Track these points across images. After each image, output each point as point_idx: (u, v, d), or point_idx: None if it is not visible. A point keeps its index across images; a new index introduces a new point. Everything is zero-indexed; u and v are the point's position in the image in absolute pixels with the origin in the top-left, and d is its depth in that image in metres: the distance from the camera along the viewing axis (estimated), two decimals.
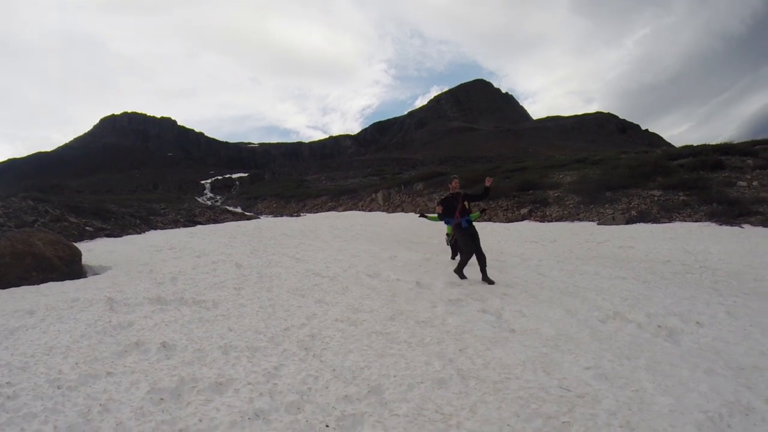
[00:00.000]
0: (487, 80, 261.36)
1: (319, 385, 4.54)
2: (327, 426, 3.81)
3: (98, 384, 4.33)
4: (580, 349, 5.67)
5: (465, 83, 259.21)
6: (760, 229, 17.16)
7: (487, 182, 9.94)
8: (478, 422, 3.93)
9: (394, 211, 36.27)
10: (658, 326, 6.66)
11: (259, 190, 74.27)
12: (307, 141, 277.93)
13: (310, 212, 44.51)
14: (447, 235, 13.71)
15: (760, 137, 33.57)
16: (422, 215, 13.04)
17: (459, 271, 10.01)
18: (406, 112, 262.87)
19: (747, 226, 17.78)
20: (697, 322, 6.86)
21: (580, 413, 4.10)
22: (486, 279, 9.57)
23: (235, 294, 8.22)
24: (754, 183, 23.02)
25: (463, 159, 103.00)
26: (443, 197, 10.37)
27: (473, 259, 9.95)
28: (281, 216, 40.23)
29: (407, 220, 29.23)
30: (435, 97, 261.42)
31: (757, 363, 5.34)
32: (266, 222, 28.91)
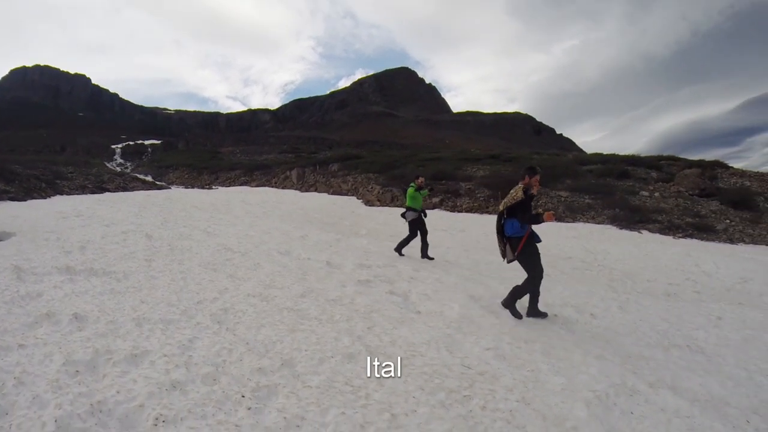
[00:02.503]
0: (413, 69, 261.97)
1: (234, 357, 4.68)
2: (243, 396, 3.96)
3: (11, 356, 4.21)
4: (481, 331, 6.14)
5: (390, 69, 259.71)
6: (656, 236, 18.61)
7: (547, 217, 6.60)
8: (385, 394, 4.25)
9: (307, 191, 36.17)
10: (555, 315, 7.27)
11: (172, 159, 71.54)
12: (225, 112, 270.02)
13: (222, 186, 43.67)
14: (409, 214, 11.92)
15: (666, 153, 36.36)
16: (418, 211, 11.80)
17: (534, 309, 7.27)
18: (328, 92, 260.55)
19: (645, 232, 19.22)
20: (591, 314, 7.56)
21: (479, 388, 4.52)
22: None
23: (146, 266, 8.09)
24: (656, 194, 25.12)
25: (380, 144, 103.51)
26: (530, 193, 6.94)
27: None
28: (193, 188, 39.35)
29: (320, 199, 29.35)
30: (359, 80, 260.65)
31: (643, 353, 6.04)
32: (177, 193, 28.18)
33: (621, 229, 19.78)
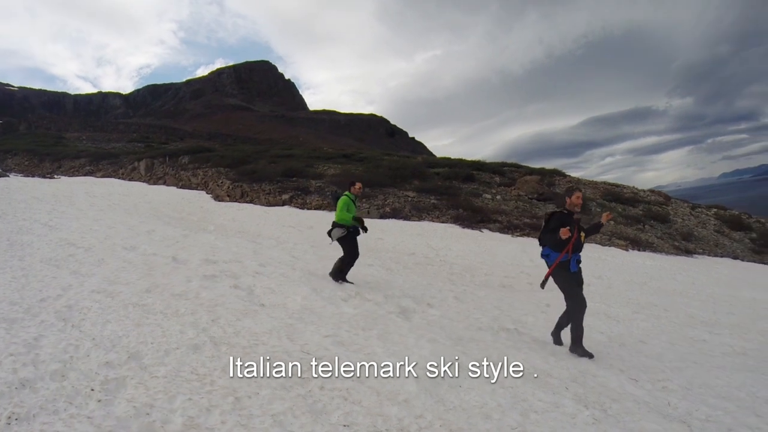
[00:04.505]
0: (274, 63, 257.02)
1: (81, 353, 4.60)
2: (92, 390, 3.95)
3: None
4: (321, 321, 6.44)
5: (250, 62, 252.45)
6: (496, 234, 20.04)
7: (605, 218, 7.19)
8: (229, 380, 4.43)
9: (155, 183, 34.57)
10: (397, 305, 7.70)
11: (11, 143, 64.89)
12: (73, 93, 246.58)
13: (65, 175, 40.55)
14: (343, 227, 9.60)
15: (511, 160, 39.22)
16: (345, 227, 9.52)
17: (577, 347, 6.86)
18: (184, 80, 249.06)
19: (486, 231, 20.63)
20: (428, 304, 8.12)
21: (318, 371, 4.75)
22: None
23: None
24: (498, 197, 27.23)
25: (233, 137, 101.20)
26: (556, 213, 7.10)
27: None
28: (33, 176, 36.34)
29: (169, 193, 28.33)
30: (217, 69, 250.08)
31: (474, 336, 6.63)
32: (16, 182, 25.96)
33: (464, 228, 21.07)
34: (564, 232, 6.30)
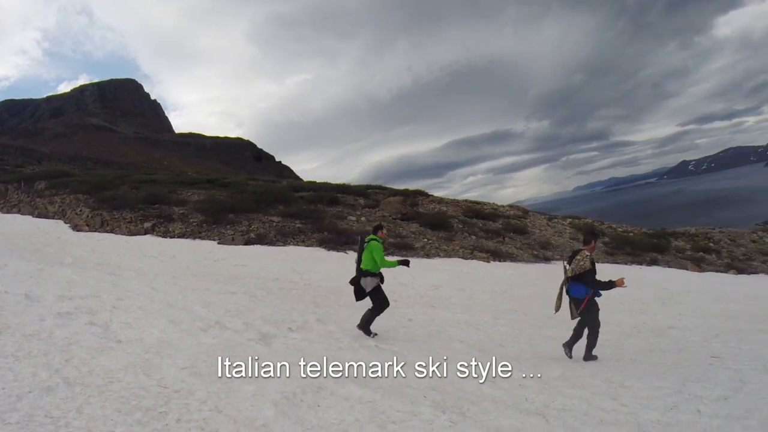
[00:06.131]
0: (140, 82, 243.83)
1: None
2: None
3: None
4: (179, 353, 6.34)
5: (116, 79, 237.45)
6: None
7: (619, 283, 8.17)
8: (84, 420, 4.28)
9: (9, 211, 31.86)
10: (257, 332, 7.75)
11: None
12: None
13: None
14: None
15: (376, 182, 40.29)
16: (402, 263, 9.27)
17: (591, 354, 8.50)
18: (45, 96, 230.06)
19: (351, 252, 20.87)
20: (289, 328, 8.24)
21: (175, 404, 4.73)
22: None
23: None
24: (362, 218, 27.90)
25: (94, 161, 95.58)
26: (592, 257, 8.40)
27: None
28: None
29: (23, 222, 26.20)
30: (81, 86, 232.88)
31: (335, 355, 6.88)
32: None
33: (329, 250, 21.33)
34: (620, 282, 8.08)
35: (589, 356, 8.42)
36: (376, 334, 8.69)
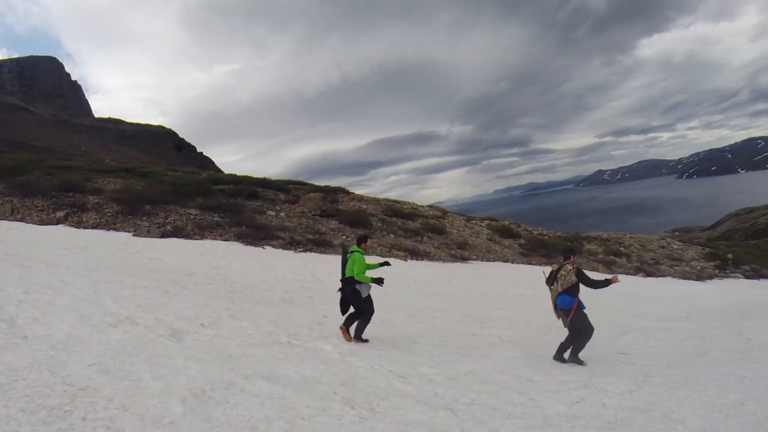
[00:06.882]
0: (61, 61, 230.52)
1: None
2: None
3: None
4: (86, 350, 6.23)
5: (36, 56, 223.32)
6: (279, 251, 20.67)
7: (614, 280, 9.11)
8: None
9: None
10: (169, 328, 7.71)
11: None
12: None
13: None
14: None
15: (299, 178, 40.21)
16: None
17: (575, 357, 8.92)
18: None
19: (269, 248, 20.97)
20: (201, 324, 8.23)
21: (81, 402, 4.69)
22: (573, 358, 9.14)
23: None
24: (282, 213, 27.76)
25: (8, 143, 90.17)
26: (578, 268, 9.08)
27: None
28: None
29: None
30: None
31: (245, 352, 6.88)
32: None
33: (246, 245, 21.16)
34: (615, 279, 9.05)
35: (575, 359, 8.88)
36: (367, 340, 8.85)
